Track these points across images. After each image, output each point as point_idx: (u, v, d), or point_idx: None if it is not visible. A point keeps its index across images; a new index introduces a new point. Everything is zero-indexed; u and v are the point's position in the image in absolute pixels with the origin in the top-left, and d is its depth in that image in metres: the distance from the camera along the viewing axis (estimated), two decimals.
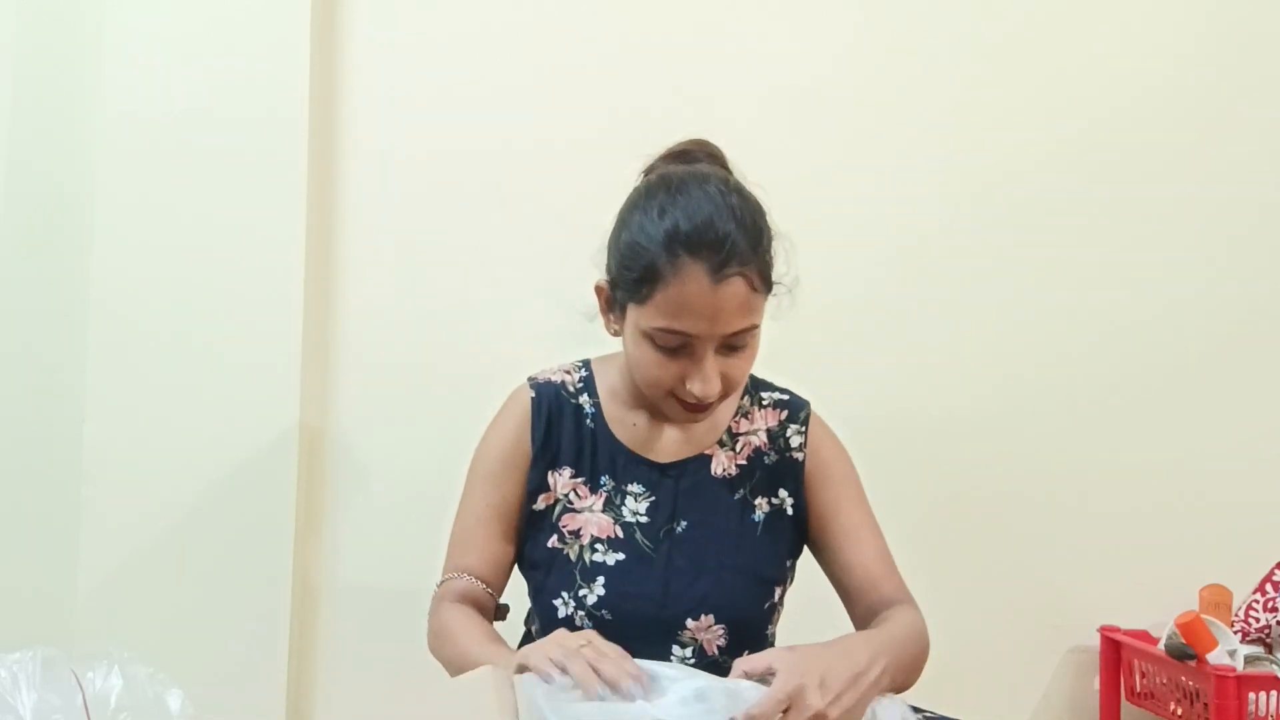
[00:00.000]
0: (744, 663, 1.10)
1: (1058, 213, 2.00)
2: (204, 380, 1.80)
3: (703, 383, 1.24)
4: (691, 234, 1.21)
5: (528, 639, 1.49)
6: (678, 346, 1.24)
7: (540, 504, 1.37)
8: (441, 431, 1.83)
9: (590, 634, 1.12)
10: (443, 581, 1.37)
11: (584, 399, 1.41)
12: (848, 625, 1.37)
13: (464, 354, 1.89)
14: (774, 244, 1.30)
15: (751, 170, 1.92)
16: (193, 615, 1.79)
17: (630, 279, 1.25)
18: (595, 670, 1.05)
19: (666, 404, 1.30)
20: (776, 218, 1.81)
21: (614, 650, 1.09)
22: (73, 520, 1.79)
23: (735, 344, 1.25)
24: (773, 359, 1.89)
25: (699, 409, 1.28)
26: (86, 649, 1.38)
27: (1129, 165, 2.02)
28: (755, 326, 1.26)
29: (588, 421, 1.39)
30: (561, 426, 1.39)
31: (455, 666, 1.25)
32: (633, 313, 1.26)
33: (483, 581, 1.35)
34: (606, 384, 1.41)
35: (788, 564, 1.39)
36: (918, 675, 1.28)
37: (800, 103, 1.97)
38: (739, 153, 1.92)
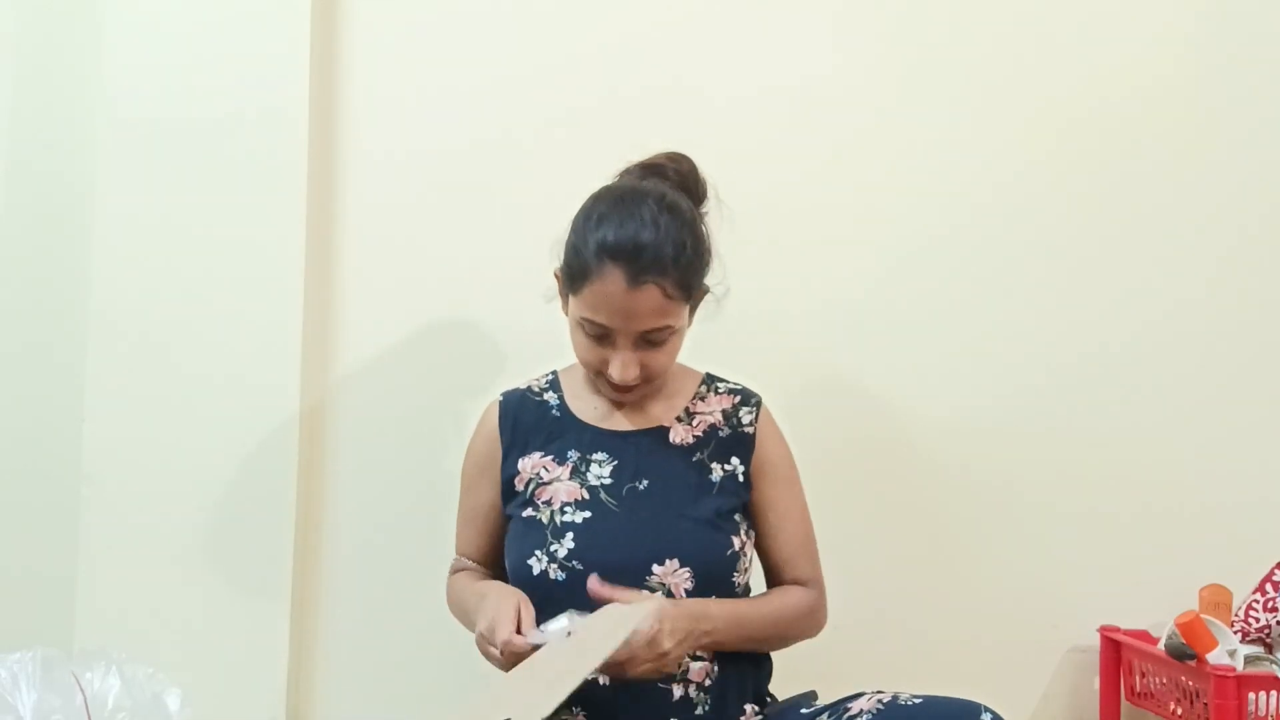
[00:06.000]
0: (621, 592, 1.36)
1: (1060, 215, 1.99)
2: (204, 380, 1.80)
3: (619, 368, 1.44)
4: (616, 244, 1.40)
5: None
6: (601, 335, 1.44)
7: (518, 486, 1.52)
8: (441, 435, 1.84)
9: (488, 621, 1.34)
10: (455, 559, 1.62)
11: (549, 395, 1.59)
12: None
13: (465, 357, 1.89)
14: (702, 258, 1.48)
15: (747, 169, 1.93)
16: (193, 615, 1.79)
17: (570, 274, 1.46)
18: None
19: (599, 382, 1.50)
20: (770, 221, 1.81)
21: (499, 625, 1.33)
22: (73, 521, 1.79)
23: (652, 340, 1.45)
24: (774, 359, 1.91)
25: (623, 390, 1.48)
26: (86, 649, 1.38)
27: (1132, 166, 2.01)
28: (670, 327, 1.45)
29: (553, 411, 1.56)
30: (528, 420, 1.56)
31: (459, 610, 1.55)
32: (571, 302, 1.48)
33: (479, 565, 1.60)
34: (570, 382, 1.59)
35: (739, 519, 1.51)
36: (789, 643, 1.52)
37: (798, 101, 1.96)
38: (736, 151, 1.93)
